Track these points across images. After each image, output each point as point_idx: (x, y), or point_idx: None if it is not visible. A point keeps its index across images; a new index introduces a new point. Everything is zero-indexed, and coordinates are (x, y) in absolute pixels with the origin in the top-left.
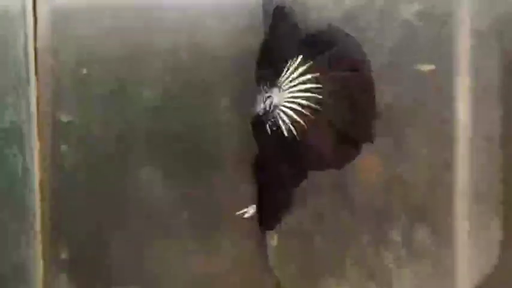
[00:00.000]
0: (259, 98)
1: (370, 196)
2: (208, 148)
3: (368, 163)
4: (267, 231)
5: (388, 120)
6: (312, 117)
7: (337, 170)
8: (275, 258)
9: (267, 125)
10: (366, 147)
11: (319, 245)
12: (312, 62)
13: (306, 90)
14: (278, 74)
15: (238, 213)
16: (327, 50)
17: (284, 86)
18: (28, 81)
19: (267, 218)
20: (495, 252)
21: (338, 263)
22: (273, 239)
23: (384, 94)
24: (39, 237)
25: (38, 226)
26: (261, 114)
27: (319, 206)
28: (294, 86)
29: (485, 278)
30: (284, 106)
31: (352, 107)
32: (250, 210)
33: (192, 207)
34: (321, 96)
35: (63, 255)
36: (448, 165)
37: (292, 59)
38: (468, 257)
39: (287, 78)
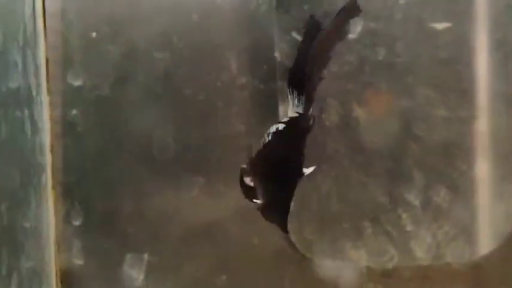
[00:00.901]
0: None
1: (387, 157)
2: (219, 109)
3: (378, 99)
4: None
5: (403, 78)
6: None
7: (351, 134)
8: (291, 222)
9: None
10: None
11: (336, 208)
12: None
13: None
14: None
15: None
16: None
17: None
18: (37, 44)
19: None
20: None
21: (355, 226)
22: None
23: (398, 51)
24: (51, 204)
25: (49, 191)
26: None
27: (335, 169)
28: None
29: (505, 240)
30: None
31: None
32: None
33: (205, 167)
34: None
35: (76, 222)
36: (465, 124)
37: None
38: (488, 218)
39: None
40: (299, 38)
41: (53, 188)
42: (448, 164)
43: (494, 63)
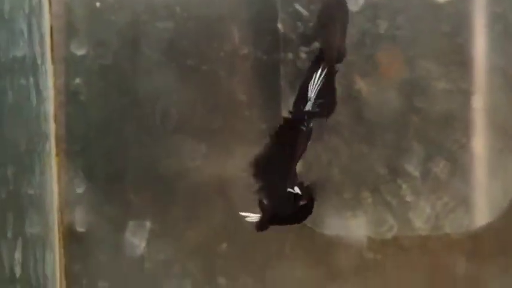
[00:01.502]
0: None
1: (388, 129)
2: (221, 80)
3: (387, 56)
4: None
5: (403, 51)
6: None
7: (353, 105)
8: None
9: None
10: (385, 44)
11: (336, 178)
12: None
13: None
14: None
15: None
16: None
17: None
18: (41, 12)
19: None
20: None
21: (355, 195)
22: None
23: (400, 24)
24: (55, 171)
25: (53, 159)
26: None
27: (335, 139)
28: None
29: (503, 211)
30: None
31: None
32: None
33: (207, 136)
34: None
35: (79, 190)
36: (466, 97)
37: None
38: (486, 190)
39: None
40: (302, 10)
41: (57, 155)
42: (448, 136)
43: (495, 36)
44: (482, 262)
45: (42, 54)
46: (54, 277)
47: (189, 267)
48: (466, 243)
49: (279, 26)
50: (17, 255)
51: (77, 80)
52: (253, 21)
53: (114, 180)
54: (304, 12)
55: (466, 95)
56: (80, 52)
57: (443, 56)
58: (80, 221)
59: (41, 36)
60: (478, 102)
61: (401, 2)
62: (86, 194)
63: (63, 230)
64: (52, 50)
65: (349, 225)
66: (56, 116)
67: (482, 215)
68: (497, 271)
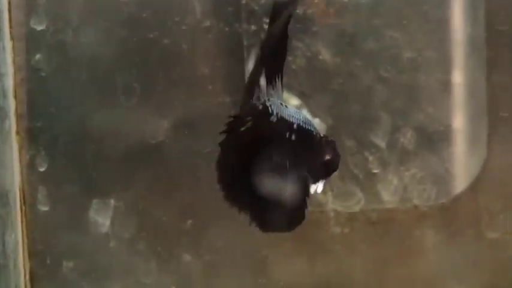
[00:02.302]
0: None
1: (354, 100)
2: (184, 53)
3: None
4: None
5: (369, 20)
6: None
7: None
8: None
9: None
10: None
11: None
12: None
13: None
14: None
15: None
16: None
17: None
18: None
19: None
20: (483, 154)
21: None
22: None
23: None
24: (15, 150)
25: (13, 137)
26: None
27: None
28: None
29: (472, 183)
30: None
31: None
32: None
33: (170, 111)
34: None
35: (41, 168)
36: (434, 67)
37: None
38: (455, 161)
39: None
40: None
41: (17, 133)
42: (415, 106)
43: (460, 4)
44: (451, 234)
45: (0, 31)
46: (17, 257)
47: (154, 244)
48: (435, 215)
49: None
50: None
51: (37, 56)
52: None
53: (77, 157)
54: None
55: (431, 63)
56: (40, 27)
57: (409, 25)
58: (43, 200)
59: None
60: (445, 71)
61: None
62: (48, 173)
63: (26, 209)
64: (11, 26)
65: (316, 199)
66: (16, 92)
67: (451, 186)
68: (466, 243)
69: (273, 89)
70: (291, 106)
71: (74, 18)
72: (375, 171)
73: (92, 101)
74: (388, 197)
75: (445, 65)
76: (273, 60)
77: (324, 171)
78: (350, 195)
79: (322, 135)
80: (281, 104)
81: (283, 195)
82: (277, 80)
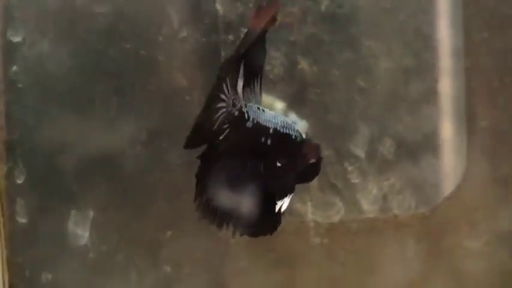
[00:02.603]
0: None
1: (332, 109)
2: (161, 64)
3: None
4: None
5: (346, 29)
6: None
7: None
8: None
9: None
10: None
11: None
12: None
13: None
14: None
15: None
16: None
17: None
18: None
19: None
20: (463, 163)
21: None
22: None
23: (341, 2)
24: None
25: None
26: None
27: None
28: None
29: (451, 192)
30: None
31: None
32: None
33: (148, 123)
34: None
35: (19, 180)
36: (413, 77)
37: None
38: (434, 171)
39: None
40: None
41: None
42: (394, 116)
43: (436, 13)
44: (431, 243)
45: None
46: None
47: (133, 256)
48: (415, 225)
49: (218, 7)
50: None
51: (14, 68)
52: (192, 3)
53: (55, 169)
54: None
55: (409, 73)
56: (16, 39)
57: (385, 34)
58: (21, 211)
59: None
60: (423, 81)
61: None
62: (26, 184)
63: (4, 221)
64: None
65: (296, 210)
66: None
67: (430, 195)
68: (446, 252)
69: (251, 93)
70: (268, 110)
71: (51, 30)
72: (355, 181)
73: (69, 113)
74: (368, 206)
75: (423, 74)
76: (251, 64)
77: (307, 175)
78: (330, 206)
79: (304, 139)
80: (258, 108)
81: (239, 208)
82: (255, 84)
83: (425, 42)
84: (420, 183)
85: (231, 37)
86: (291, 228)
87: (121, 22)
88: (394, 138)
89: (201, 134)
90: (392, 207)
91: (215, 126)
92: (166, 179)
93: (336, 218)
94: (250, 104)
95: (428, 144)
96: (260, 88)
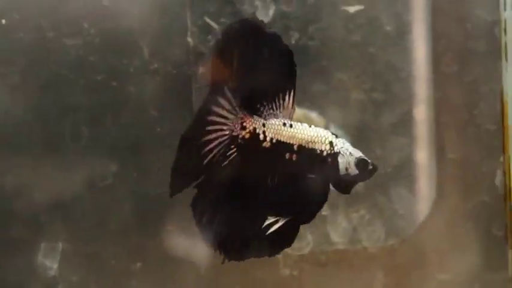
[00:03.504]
0: None
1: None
2: (132, 95)
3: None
4: None
5: (317, 62)
6: None
7: None
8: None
9: None
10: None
11: None
12: None
13: None
14: None
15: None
16: None
17: None
18: None
19: None
20: (432, 195)
21: None
22: None
23: (311, 34)
24: None
25: None
26: None
27: None
28: None
29: (421, 225)
30: None
31: None
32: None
33: (118, 154)
34: None
35: None
36: (382, 109)
37: None
38: (404, 203)
39: None
40: (212, 23)
41: None
42: (363, 147)
43: (406, 45)
44: (400, 276)
45: None
46: None
47: (103, 287)
48: (385, 257)
49: (189, 39)
50: None
51: None
52: (163, 35)
53: (24, 200)
54: (214, 25)
55: (379, 105)
56: None
57: (356, 66)
58: None
59: None
60: (393, 112)
61: (312, 12)
62: None
63: None
64: None
65: None
66: None
67: (400, 228)
68: (415, 285)
69: (277, 108)
70: (296, 123)
71: (21, 62)
72: (324, 213)
73: (39, 145)
74: (338, 238)
75: (392, 106)
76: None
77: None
78: (299, 238)
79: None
80: (284, 124)
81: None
82: (285, 97)
83: (396, 74)
84: (389, 215)
85: (201, 69)
86: (259, 259)
87: (92, 54)
88: None
89: (188, 171)
90: (361, 239)
91: (207, 160)
92: (137, 210)
93: (305, 250)
94: (273, 120)
95: (399, 175)
96: (293, 100)
